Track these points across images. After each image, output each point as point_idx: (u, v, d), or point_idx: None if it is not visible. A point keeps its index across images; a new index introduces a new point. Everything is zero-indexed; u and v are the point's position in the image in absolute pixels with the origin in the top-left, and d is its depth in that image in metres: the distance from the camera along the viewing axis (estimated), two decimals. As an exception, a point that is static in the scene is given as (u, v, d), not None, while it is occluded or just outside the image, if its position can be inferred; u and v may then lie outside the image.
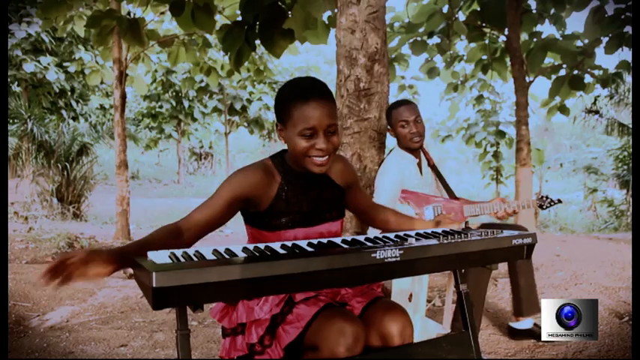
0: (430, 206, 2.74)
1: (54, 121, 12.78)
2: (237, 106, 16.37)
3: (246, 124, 17.75)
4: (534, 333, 2.87)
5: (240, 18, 4.71)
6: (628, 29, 6.37)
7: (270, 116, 15.98)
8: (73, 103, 16.41)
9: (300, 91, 1.50)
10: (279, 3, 4.39)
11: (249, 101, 16.96)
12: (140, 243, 1.37)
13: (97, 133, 11.11)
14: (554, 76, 7.52)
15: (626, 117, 11.78)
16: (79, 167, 10.15)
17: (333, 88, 3.14)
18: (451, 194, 2.86)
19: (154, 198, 17.78)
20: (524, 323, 2.91)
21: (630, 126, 9.00)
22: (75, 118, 16.30)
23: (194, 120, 19.43)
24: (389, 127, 2.79)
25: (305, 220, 1.64)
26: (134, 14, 7.19)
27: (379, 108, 3.00)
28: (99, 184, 11.96)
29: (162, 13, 7.31)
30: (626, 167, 9.39)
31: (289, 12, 4.38)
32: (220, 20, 5.94)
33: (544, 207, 2.64)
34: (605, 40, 6.66)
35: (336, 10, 3.23)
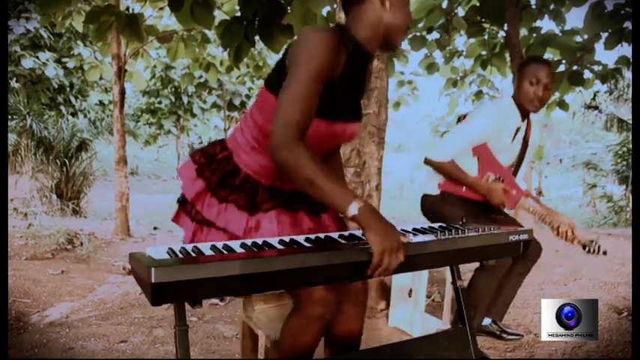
0: (493, 175, 2.66)
1: (53, 117, 12.76)
2: (237, 102, 16.39)
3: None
4: (491, 331, 2.85)
5: (239, 13, 4.69)
6: (627, 25, 6.36)
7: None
8: (72, 99, 16.40)
9: None
10: (278, -2, 4.38)
11: (248, 97, 16.95)
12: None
13: (96, 129, 11.11)
14: (554, 72, 7.50)
15: (625, 112, 11.76)
16: (79, 163, 10.14)
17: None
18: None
19: (154, 194, 17.78)
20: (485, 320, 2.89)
21: (629, 121, 8.99)
22: (74, 114, 16.28)
23: (193, 116, 19.43)
24: (516, 77, 2.64)
25: (351, 112, 1.56)
26: (133, 10, 7.17)
27: (378, 103, 3.00)
28: (98, 180, 11.95)
29: (161, 8, 7.28)
30: (625, 163, 9.39)
31: (288, 7, 4.37)
32: (219, 16, 5.92)
33: (589, 251, 2.51)
34: (604, 35, 6.64)
35: (335, 6, 3.23)
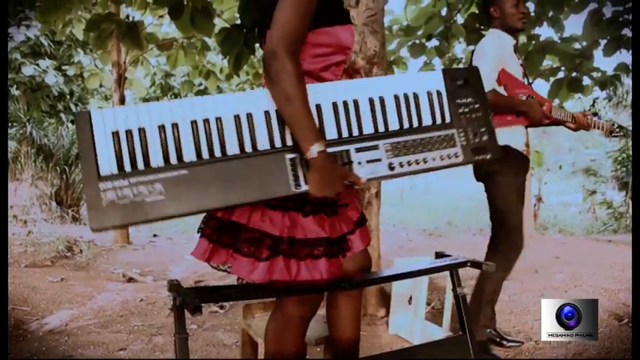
0: (524, 96, 2.83)
1: (53, 125, 12.76)
2: (236, 110, 16.41)
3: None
4: (491, 339, 2.85)
5: (239, 21, 4.71)
6: (626, 31, 6.38)
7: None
8: (72, 107, 16.41)
9: None
10: (278, 6, 4.39)
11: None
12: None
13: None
14: (552, 79, 7.52)
15: (624, 119, 11.78)
16: (79, 171, 10.14)
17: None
18: None
19: (153, 201, 17.73)
20: None
21: (629, 128, 9.03)
22: (74, 122, 16.29)
23: (193, 123, 19.44)
24: (495, 7, 2.81)
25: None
26: (133, 18, 7.20)
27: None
28: (98, 187, 11.93)
29: (161, 16, 7.31)
30: (624, 169, 9.40)
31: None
32: (219, 23, 5.94)
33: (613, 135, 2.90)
34: (603, 42, 6.66)
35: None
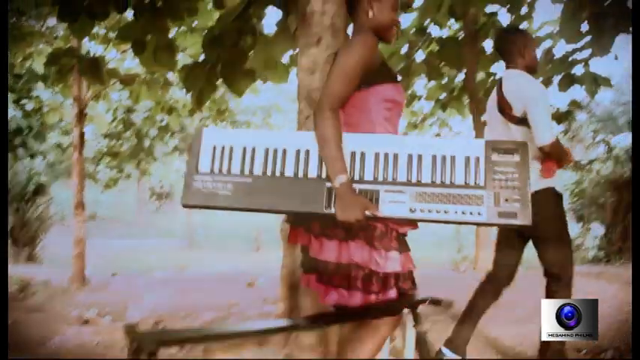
0: None
1: (9, 160, 12.44)
2: (199, 145, 16.24)
3: (208, 162, 17.58)
4: None
5: (202, 57, 4.72)
6: (576, 70, 6.68)
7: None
8: (30, 141, 16.03)
9: None
10: (241, 43, 4.43)
11: (211, 139, 16.85)
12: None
13: (54, 172, 10.86)
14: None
15: (579, 152, 12.18)
16: (35, 207, 9.86)
17: (294, 126, 3.17)
18: None
19: (113, 238, 17.35)
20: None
21: (582, 161, 9.35)
22: (32, 157, 15.90)
23: (155, 159, 19.16)
24: (520, 50, 2.89)
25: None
26: (95, 52, 7.14)
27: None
28: (55, 224, 11.62)
29: (124, 51, 7.28)
30: (580, 202, 9.68)
31: (251, 52, 4.42)
32: (182, 59, 5.95)
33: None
34: (556, 79, 6.93)
35: (297, 50, 3.28)
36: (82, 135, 7.31)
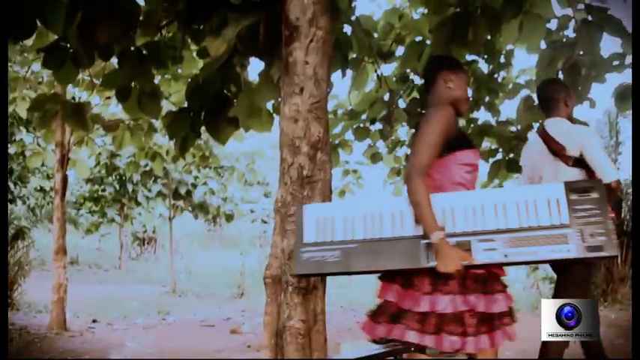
0: None
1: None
2: (182, 191, 16.17)
3: (190, 208, 17.48)
4: None
5: (186, 104, 4.77)
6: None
7: (215, 201, 15.74)
8: (11, 185, 15.87)
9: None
10: (225, 91, 4.48)
11: (195, 186, 16.80)
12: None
13: (35, 217, 10.72)
14: (491, 160, 7.86)
15: (560, 197, 12.30)
16: (14, 252, 9.68)
17: (277, 174, 3.18)
18: None
19: (94, 284, 16.98)
20: None
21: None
22: (12, 201, 15.71)
23: (138, 204, 19.00)
24: (566, 98, 3.11)
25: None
26: (79, 98, 7.17)
27: (322, 195, 3.03)
28: (34, 270, 11.39)
29: (108, 97, 7.32)
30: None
31: (234, 100, 4.47)
32: (166, 106, 5.99)
33: None
34: (536, 125, 7.06)
35: (279, 100, 3.33)
36: (64, 179, 7.28)
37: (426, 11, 6.00)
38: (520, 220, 1.82)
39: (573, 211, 1.78)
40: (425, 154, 2.02)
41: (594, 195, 1.79)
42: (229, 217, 16.41)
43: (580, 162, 2.86)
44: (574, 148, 2.89)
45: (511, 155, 7.71)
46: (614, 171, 2.77)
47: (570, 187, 1.82)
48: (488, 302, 1.99)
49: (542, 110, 3.25)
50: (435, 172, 2.11)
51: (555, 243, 1.75)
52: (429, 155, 2.02)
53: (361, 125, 7.47)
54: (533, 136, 3.12)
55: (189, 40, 4.70)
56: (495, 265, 1.94)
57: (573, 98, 3.17)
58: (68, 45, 4.03)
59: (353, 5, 4.93)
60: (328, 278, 3.55)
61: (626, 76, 4.77)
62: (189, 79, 4.60)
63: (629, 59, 5.67)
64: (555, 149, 2.95)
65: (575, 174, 2.84)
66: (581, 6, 5.27)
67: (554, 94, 3.16)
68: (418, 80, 7.54)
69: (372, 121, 7.39)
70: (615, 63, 5.61)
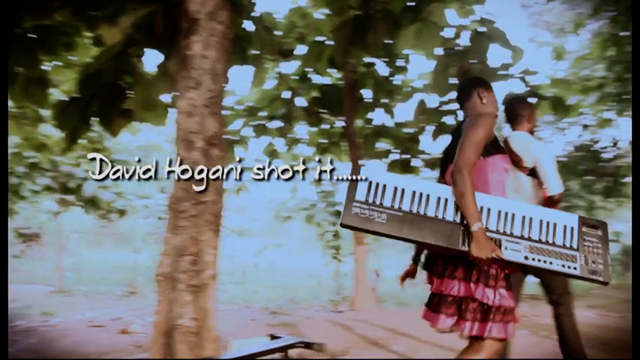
0: None
1: None
2: (72, 185, 15.28)
3: (81, 203, 16.57)
4: None
5: (77, 94, 4.55)
6: (446, 119, 7.21)
7: (107, 196, 14.99)
8: None
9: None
10: (119, 82, 4.33)
11: (86, 179, 15.93)
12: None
13: None
14: (387, 160, 8.16)
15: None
16: None
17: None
18: None
19: (-30, 284, 15.72)
20: None
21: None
22: None
23: (22, 198, 17.73)
24: (529, 112, 3.46)
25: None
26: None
27: (216, 192, 3.03)
28: None
29: (-10, 83, 6.79)
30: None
31: (129, 92, 4.34)
32: (56, 95, 5.68)
33: None
34: (429, 128, 7.43)
35: (177, 93, 3.27)
36: None
37: (328, 12, 6.13)
38: (541, 234, 2.20)
39: (582, 240, 2.22)
40: (472, 152, 2.25)
41: (599, 232, 2.24)
42: (122, 213, 15.70)
43: (534, 172, 3.27)
44: (530, 160, 3.29)
45: (406, 156, 8.07)
46: (559, 185, 3.19)
47: (583, 221, 2.26)
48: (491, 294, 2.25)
49: (507, 122, 3.63)
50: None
51: (566, 260, 2.18)
52: (475, 153, 2.26)
53: (260, 122, 7.49)
54: None
55: (84, 27, 4.49)
56: (515, 264, 2.22)
57: (536, 115, 3.54)
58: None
59: (253, 1, 4.92)
60: (221, 274, 3.54)
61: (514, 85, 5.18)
62: (82, 68, 4.39)
63: (513, 69, 6.16)
64: (514, 160, 3.32)
65: (529, 181, 3.27)
66: (476, 17, 5.65)
67: (520, 111, 3.52)
68: (318, 79, 7.69)
69: (271, 119, 7.44)
70: (501, 72, 6.07)
